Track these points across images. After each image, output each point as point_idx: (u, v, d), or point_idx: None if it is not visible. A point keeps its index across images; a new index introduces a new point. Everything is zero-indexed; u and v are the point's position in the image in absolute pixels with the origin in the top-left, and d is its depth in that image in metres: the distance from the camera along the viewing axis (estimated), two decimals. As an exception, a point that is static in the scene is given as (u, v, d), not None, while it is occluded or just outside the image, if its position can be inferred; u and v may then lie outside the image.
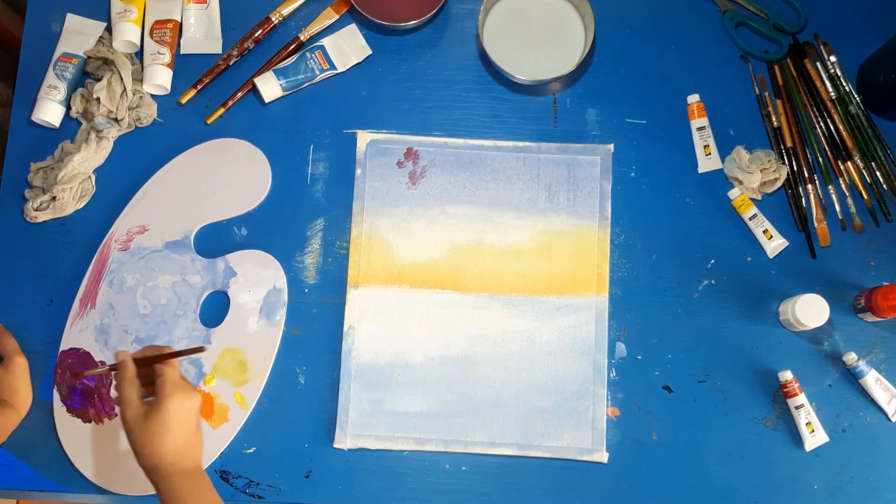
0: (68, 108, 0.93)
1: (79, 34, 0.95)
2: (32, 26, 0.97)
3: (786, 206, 0.92)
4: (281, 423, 0.87)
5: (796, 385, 0.86)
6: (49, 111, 0.92)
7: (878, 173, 0.92)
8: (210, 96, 0.95)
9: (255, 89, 0.94)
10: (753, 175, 0.88)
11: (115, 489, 0.85)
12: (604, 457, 0.86)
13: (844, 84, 0.94)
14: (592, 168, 0.92)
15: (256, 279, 0.90)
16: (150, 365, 0.75)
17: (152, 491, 0.84)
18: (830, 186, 0.92)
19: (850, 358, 0.86)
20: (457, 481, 0.86)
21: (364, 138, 0.93)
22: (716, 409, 0.87)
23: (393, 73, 0.95)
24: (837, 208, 0.91)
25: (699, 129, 0.93)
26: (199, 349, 0.77)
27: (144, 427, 0.72)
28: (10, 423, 0.84)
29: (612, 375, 0.88)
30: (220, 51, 0.96)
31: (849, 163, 0.92)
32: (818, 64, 0.94)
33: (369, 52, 0.96)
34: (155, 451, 0.72)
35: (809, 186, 0.91)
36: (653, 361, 0.88)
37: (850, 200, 0.91)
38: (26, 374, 0.86)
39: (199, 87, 0.95)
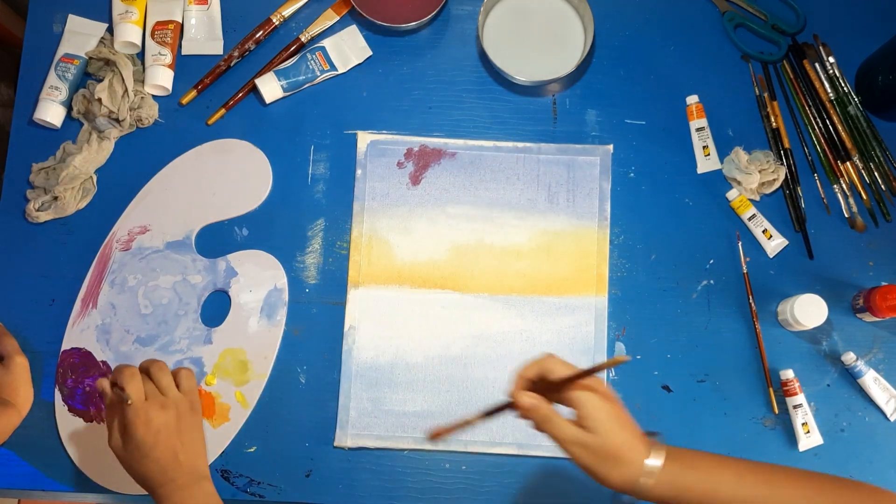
0: (70, 108, 0.94)
1: (80, 35, 0.95)
2: (34, 27, 0.97)
3: (783, 206, 0.92)
4: (281, 423, 0.87)
5: (797, 384, 0.86)
6: (50, 112, 0.92)
7: (876, 174, 0.92)
8: (211, 97, 0.95)
9: (255, 90, 0.94)
10: (752, 176, 0.89)
11: (116, 489, 0.86)
12: None
13: (843, 85, 0.94)
14: (592, 168, 0.92)
15: (257, 279, 0.90)
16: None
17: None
18: (835, 186, 0.92)
19: (849, 358, 0.87)
20: (457, 480, 0.86)
21: (364, 139, 0.93)
22: (715, 408, 0.87)
23: (393, 74, 0.96)
24: (844, 207, 0.92)
25: (698, 129, 0.93)
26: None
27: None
28: (12, 423, 0.84)
29: (611, 375, 0.88)
30: (221, 52, 0.96)
31: (848, 163, 0.92)
32: (817, 65, 0.95)
33: (370, 53, 0.96)
34: (138, 472, 0.74)
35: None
36: (652, 361, 0.88)
37: (851, 200, 0.92)
38: (27, 373, 0.86)
39: (201, 87, 0.95)
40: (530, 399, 0.64)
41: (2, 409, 0.83)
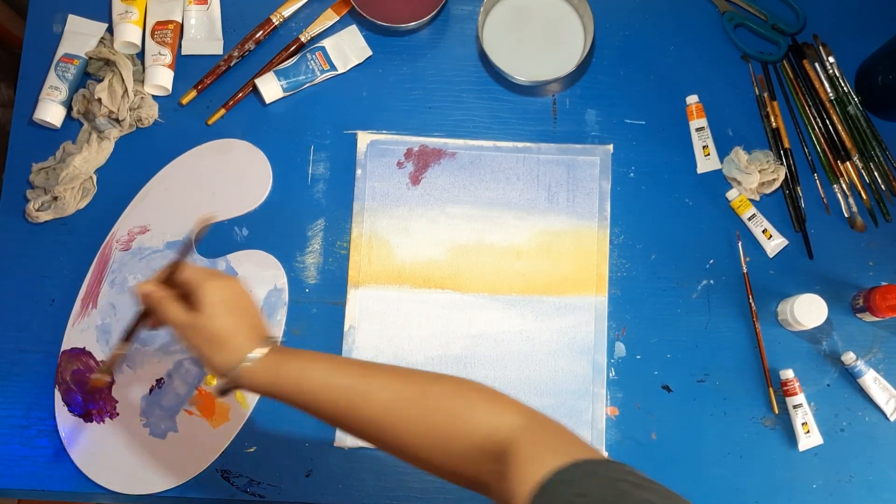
0: (70, 108, 0.94)
1: (80, 35, 0.95)
2: (34, 27, 0.97)
3: (783, 206, 0.92)
4: (282, 423, 0.87)
5: (797, 384, 0.86)
6: (50, 112, 0.92)
7: (876, 174, 0.92)
8: (211, 97, 0.95)
9: (255, 90, 0.94)
10: (752, 176, 0.89)
11: (116, 488, 0.86)
12: (603, 456, 0.86)
13: (843, 85, 0.94)
14: (592, 168, 0.92)
15: (257, 279, 0.90)
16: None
17: (152, 490, 0.86)
18: (835, 186, 0.92)
19: (849, 358, 0.87)
20: (457, 480, 0.86)
21: (364, 139, 0.93)
22: (715, 408, 0.87)
23: (393, 74, 0.96)
24: (843, 207, 0.92)
25: (698, 129, 0.93)
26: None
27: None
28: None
29: (611, 375, 0.88)
30: (220, 52, 0.96)
31: (847, 163, 0.92)
32: (817, 65, 0.95)
33: (369, 53, 0.96)
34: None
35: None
36: (652, 361, 0.88)
37: (851, 200, 0.92)
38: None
39: (200, 87, 0.95)
40: (146, 286, 0.67)
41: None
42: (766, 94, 0.94)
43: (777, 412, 0.87)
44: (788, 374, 0.86)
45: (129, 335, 0.71)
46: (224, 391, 0.65)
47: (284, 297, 0.90)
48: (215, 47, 0.97)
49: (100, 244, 0.91)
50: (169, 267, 0.68)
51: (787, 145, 0.93)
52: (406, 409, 0.60)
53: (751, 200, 0.91)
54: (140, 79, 0.94)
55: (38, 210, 0.91)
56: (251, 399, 0.87)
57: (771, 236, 0.90)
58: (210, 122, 0.94)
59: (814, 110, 0.94)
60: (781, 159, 0.92)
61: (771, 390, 0.87)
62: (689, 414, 0.87)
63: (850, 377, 0.87)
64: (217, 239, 0.92)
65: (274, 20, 0.96)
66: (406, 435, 0.60)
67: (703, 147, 0.93)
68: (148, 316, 0.70)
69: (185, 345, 0.66)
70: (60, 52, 0.94)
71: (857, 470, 0.86)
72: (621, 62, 0.96)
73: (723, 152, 0.93)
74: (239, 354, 0.64)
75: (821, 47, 0.95)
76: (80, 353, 0.88)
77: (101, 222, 0.92)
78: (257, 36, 0.96)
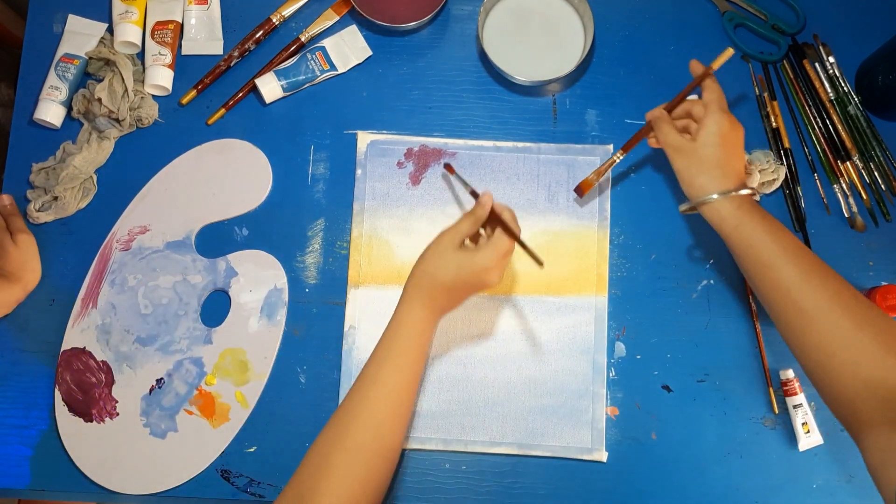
0: (70, 108, 0.94)
1: (80, 35, 0.95)
2: (34, 27, 0.97)
3: (783, 206, 0.92)
4: (282, 423, 0.87)
5: (797, 384, 0.86)
6: (50, 112, 0.92)
7: (876, 174, 0.92)
8: (211, 97, 0.96)
9: (255, 90, 0.94)
10: (752, 176, 0.89)
11: (116, 489, 0.86)
12: (603, 456, 0.86)
13: (843, 85, 0.94)
14: (592, 168, 0.92)
15: (257, 279, 0.90)
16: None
17: (152, 490, 0.85)
18: (835, 186, 0.92)
19: (849, 358, 0.86)
20: (457, 481, 0.86)
21: (364, 139, 0.93)
22: (715, 408, 0.87)
23: (393, 74, 0.96)
24: (844, 207, 0.92)
25: (698, 129, 0.93)
26: None
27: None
28: (15, 297, 0.88)
29: (611, 375, 0.88)
30: (220, 52, 0.97)
31: (848, 163, 0.92)
32: (817, 65, 0.95)
33: (369, 53, 0.96)
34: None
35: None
36: (652, 361, 0.88)
37: (851, 200, 0.92)
38: (34, 249, 0.90)
39: (200, 87, 0.95)
40: (656, 111, 0.82)
41: (8, 284, 0.87)
42: (766, 94, 0.94)
43: (777, 412, 0.87)
44: (788, 373, 0.86)
45: (628, 146, 0.86)
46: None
47: (284, 297, 0.90)
48: (215, 47, 0.97)
49: (100, 244, 0.91)
50: (679, 96, 0.82)
51: (787, 145, 0.93)
52: (838, 314, 0.68)
53: (751, 200, 0.91)
54: (140, 79, 0.94)
55: (38, 211, 0.91)
56: (251, 399, 0.87)
57: (771, 236, 0.90)
58: (210, 122, 0.94)
59: (814, 110, 0.94)
60: (781, 159, 0.92)
61: (771, 390, 0.87)
62: (689, 414, 0.87)
63: (850, 377, 0.87)
64: (217, 239, 0.92)
65: (274, 20, 0.96)
66: (824, 331, 0.68)
67: (703, 147, 0.93)
68: (648, 133, 0.84)
69: (671, 162, 0.79)
70: (60, 52, 0.94)
71: (857, 470, 0.86)
72: (621, 62, 0.96)
73: (723, 152, 0.93)
74: (714, 185, 0.75)
75: (821, 47, 0.95)
76: (80, 353, 0.88)
77: (101, 222, 0.92)
78: (257, 36, 0.96)
